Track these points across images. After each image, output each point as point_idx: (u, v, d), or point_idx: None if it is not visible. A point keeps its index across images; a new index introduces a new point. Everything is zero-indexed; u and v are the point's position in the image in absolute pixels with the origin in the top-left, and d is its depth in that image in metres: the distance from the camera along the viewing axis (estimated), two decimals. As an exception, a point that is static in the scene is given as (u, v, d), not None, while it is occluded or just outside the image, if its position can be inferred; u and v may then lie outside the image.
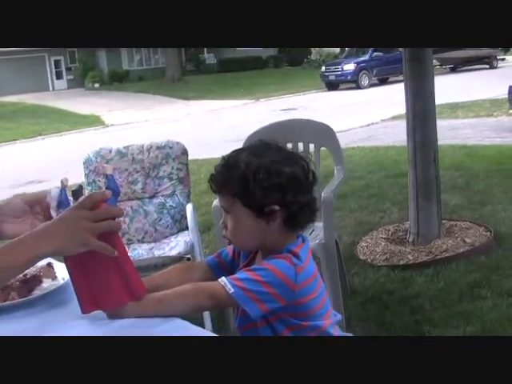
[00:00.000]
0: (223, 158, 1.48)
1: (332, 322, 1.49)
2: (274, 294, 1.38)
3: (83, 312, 1.39)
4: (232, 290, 1.37)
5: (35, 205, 1.57)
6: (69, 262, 1.36)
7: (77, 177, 3.92)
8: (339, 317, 1.55)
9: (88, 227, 1.28)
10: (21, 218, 1.55)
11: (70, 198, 1.54)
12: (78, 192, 1.54)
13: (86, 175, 3.65)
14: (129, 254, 1.38)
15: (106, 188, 1.39)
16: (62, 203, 1.50)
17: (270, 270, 1.38)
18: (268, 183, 1.40)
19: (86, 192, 3.32)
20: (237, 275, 1.42)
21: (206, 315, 3.12)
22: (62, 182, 1.55)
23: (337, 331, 1.50)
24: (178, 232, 3.60)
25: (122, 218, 2.96)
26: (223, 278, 1.41)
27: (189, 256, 3.26)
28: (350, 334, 1.57)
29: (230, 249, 1.61)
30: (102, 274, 1.35)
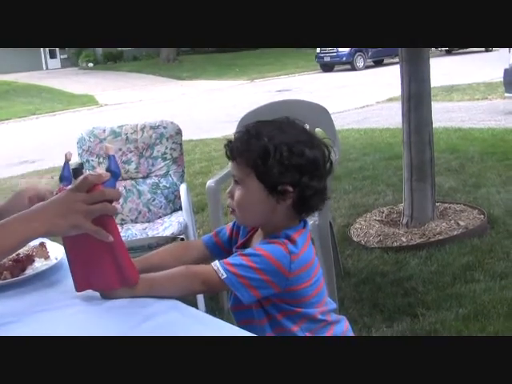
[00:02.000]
0: (245, 126, 1.45)
1: (325, 310, 1.48)
2: (268, 280, 1.36)
3: (77, 290, 1.39)
4: (224, 276, 1.36)
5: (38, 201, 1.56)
6: (66, 240, 1.37)
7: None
8: (334, 305, 1.54)
9: (82, 210, 1.26)
10: None
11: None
12: (78, 170, 1.52)
13: (80, 155, 3.63)
14: (122, 235, 1.36)
15: (107, 169, 1.36)
16: (64, 177, 1.49)
17: (264, 256, 1.37)
18: (288, 162, 1.37)
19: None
20: (230, 259, 1.40)
21: (200, 295, 3.13)
22: (65, 155, 1.53)
23: (330, 317, 1.49)
24: (171, 212, 3.60)
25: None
26: (216, 262, 1.39)
27: (182, 236, 3.26)
28: (342, 316, 1.55)
29: (228, 227, 1.59)
30: (95, 258, 1.34)
